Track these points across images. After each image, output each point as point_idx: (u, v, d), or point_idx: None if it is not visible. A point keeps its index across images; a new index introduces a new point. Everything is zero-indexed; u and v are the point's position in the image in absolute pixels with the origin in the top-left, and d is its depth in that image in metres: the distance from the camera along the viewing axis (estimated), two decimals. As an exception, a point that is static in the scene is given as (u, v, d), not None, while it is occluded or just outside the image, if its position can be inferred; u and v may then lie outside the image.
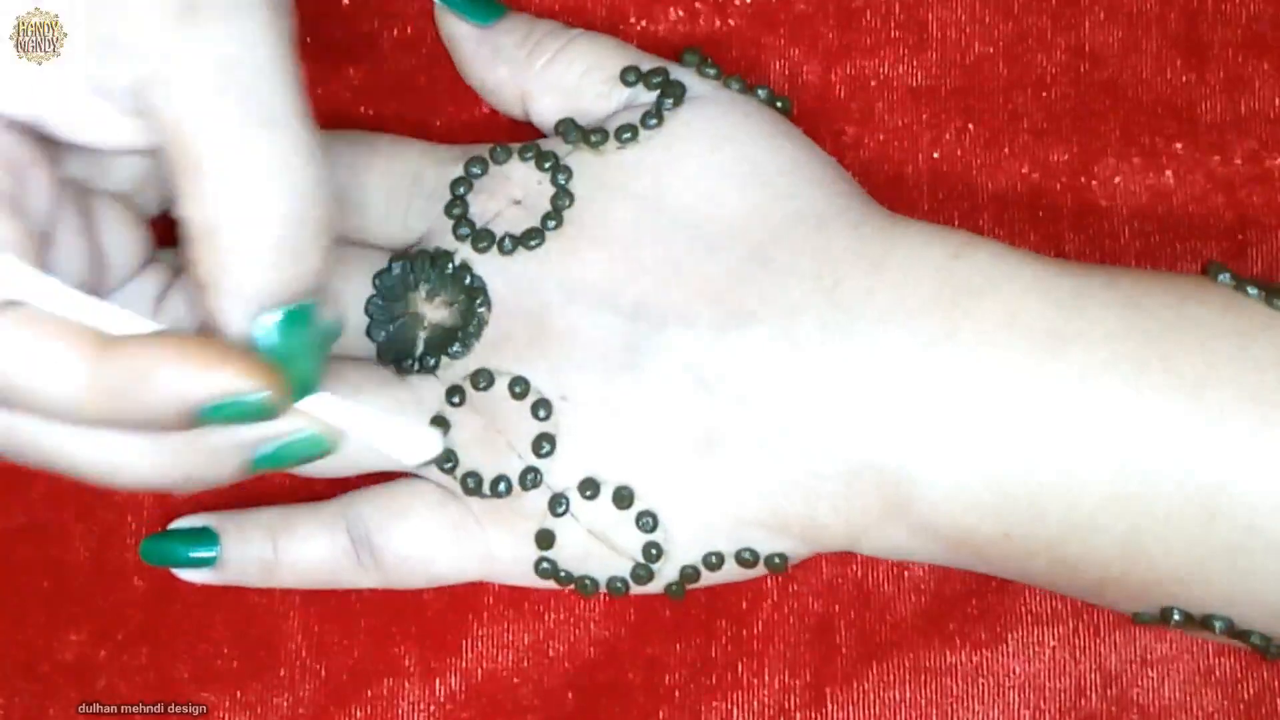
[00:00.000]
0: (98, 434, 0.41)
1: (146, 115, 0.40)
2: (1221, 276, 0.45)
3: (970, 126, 0.52)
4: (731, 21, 0.53)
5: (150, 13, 0.39)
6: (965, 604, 0.50)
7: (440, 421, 0.48)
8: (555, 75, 0.50)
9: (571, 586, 0.48)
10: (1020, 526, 0.44)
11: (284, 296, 0.40)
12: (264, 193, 0.39)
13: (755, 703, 0.50)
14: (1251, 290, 0.45)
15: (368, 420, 0.42)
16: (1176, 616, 0.45)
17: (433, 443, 0.43)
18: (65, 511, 0.52)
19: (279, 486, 0.51)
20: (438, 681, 0.51)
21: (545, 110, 0.50)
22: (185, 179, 0.40)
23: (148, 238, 0.46)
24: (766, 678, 0.51)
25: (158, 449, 0.41)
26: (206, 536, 0.49)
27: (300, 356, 0.41)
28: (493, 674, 0.51)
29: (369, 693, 0.51)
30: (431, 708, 0.51)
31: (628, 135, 0.48)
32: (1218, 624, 0.45)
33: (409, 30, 0.53)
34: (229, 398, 0.39)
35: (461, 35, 0.51)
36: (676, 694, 0.51)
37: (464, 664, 0.51)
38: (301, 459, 0.42)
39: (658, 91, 0.49)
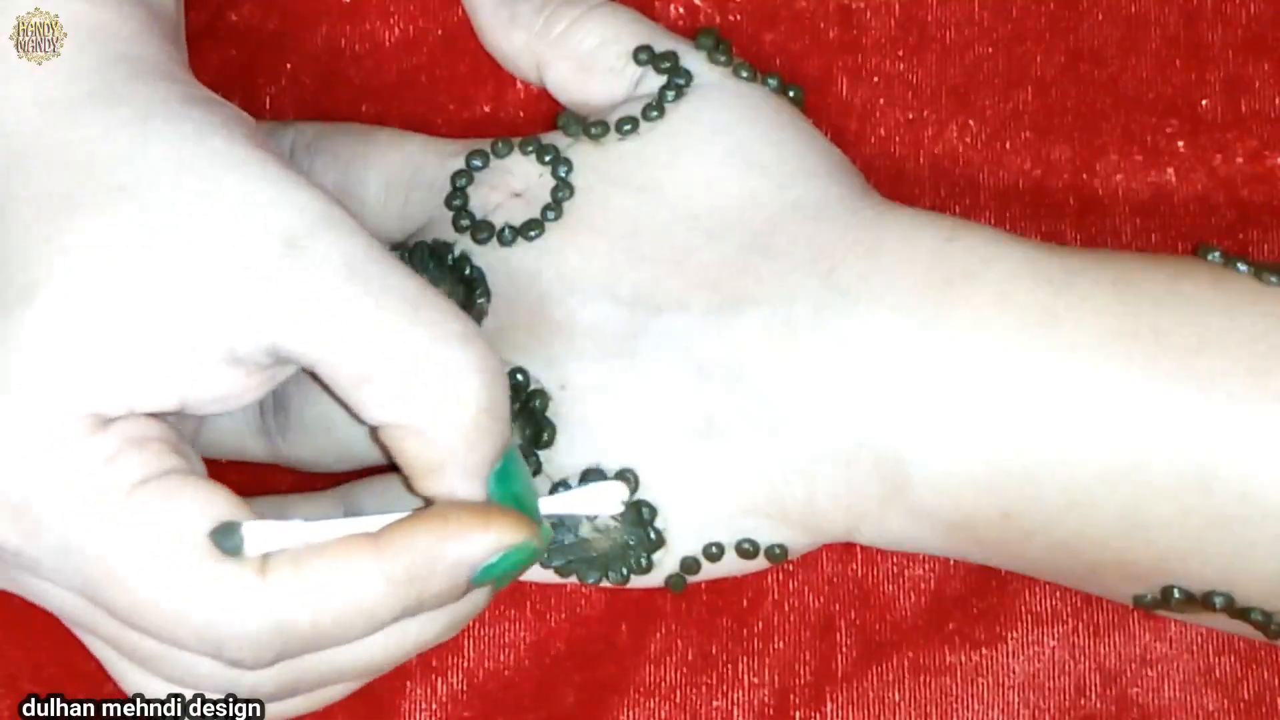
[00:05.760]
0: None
1: (286, 359, 0.41)
2: (1211, 255, 0.46)
3: (971, 123, 0.52)
4: (732, 18, 0.53)
5: (261, 268, 0.40)
6: (965, 604, 0.50)
7: (623, 476, 0.47)
8: (571, 43, 0.50)
9: (572, 577, 0.48)
10: (1017, 504, 0.44)
11: (500, 452, 0.42)
12: (452, 377, 0.40)
13: (755, 702, 0.50)
14: (1241, 266, 0.45)
15: (569, 501, 0.46)
16: (1177, 595, 0.45)
17: (622, 490, 0.46)
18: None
19: (279, 486, 0.51)
20: (439, 680, 0.51)
21: (559, 78, 0.50)
22: (363, 394, 0.40)
23: None
24: (766, 676, 0.50)
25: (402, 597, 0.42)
26: None
27: (525, 493, 0.43)
28: (494, 673, 0.51)
29: (370, 692, 0.51)
30: (433, 706, 0.51)
31: (628, 127, 0.48)
32: (1218, 600, 0.45)
33: (410, 30, 0.53)
34: (503, 552, 0.41)
35: (480, 1, 0.51)
36: (677, 693, 0.51)
37: (466, 663, 0.51)
38: (520, 568, 0.43)
39: (664, 79, 0.49)
